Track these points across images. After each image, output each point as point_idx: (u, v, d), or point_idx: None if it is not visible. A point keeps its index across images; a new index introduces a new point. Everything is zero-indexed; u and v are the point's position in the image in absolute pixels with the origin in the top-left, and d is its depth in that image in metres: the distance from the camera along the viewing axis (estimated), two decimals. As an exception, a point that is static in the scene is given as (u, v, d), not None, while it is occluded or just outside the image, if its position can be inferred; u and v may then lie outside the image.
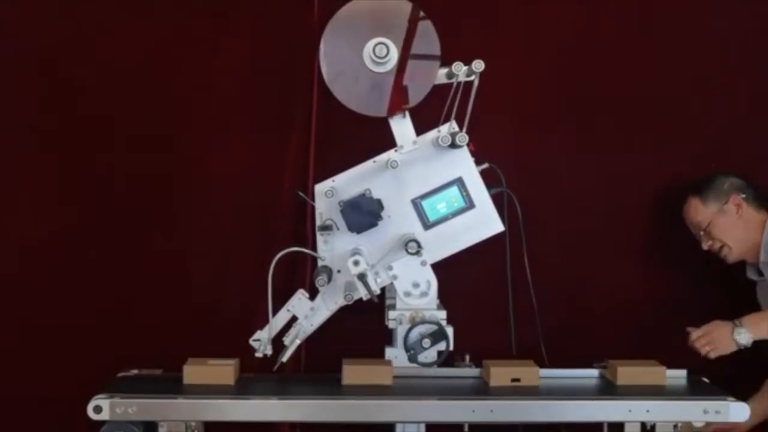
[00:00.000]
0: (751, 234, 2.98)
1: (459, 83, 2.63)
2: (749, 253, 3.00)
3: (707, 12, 3.20)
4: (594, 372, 2.82)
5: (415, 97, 2.69)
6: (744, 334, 2.73)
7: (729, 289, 3.16)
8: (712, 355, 2.76)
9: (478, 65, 2.59)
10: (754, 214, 2.99)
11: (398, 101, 2.68)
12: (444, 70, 2.67)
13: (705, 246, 3.02)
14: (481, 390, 2.68)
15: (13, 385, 3.13)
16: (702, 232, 3.02)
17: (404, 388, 2.65)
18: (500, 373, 2.68)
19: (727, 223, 2.98)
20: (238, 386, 2.66)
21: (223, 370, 2.67)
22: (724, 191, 3.00)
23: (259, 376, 2.80)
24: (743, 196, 2.99)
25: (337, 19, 2.67)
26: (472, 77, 2.63)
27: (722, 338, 2.75)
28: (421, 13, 2.67)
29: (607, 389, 2.70)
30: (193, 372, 2.66)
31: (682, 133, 3.22)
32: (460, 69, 2.61)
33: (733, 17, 3.21)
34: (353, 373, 2.66)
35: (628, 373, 2.71)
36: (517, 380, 2.66)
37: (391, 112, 2.70)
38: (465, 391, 2.69)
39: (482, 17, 3.18)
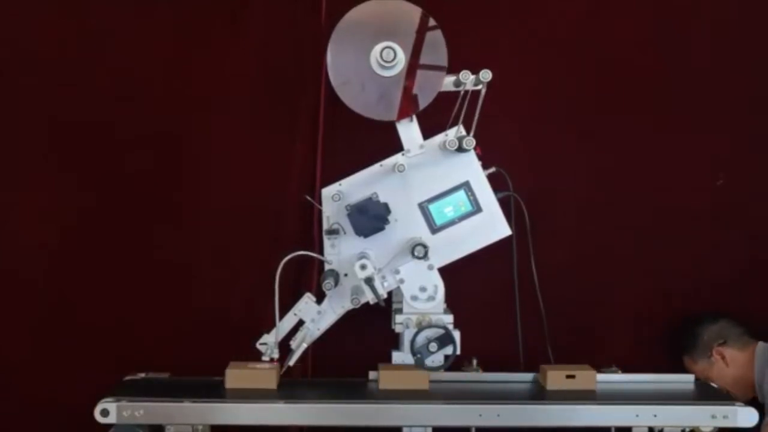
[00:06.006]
0: (745, 373, 2.99)
1: (466, 92, 2.63)
2: (756, 390, 2.99)
3: (713, 10, 3.18)
4: (600, 376, 2.81)
5: (421, 102, 2.68)
6: None
7: (734, 292, 3.16)
8: None
9: (486, 75, 2.58)
10: (740, 354, 3.01)
11: (407, 106, 2.68)
12: (451, 78, 2.66)
13: None
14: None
15: (20, 389, 3.13)
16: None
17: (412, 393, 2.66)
18: (556, 377, 2.72)
19: (720, 373, 3.00)
20: (280, 390, 2.67)
21: (266, 374, 2.68)
22: (706, 345, 3.03)
23: (298, 380, 2.85)
24: (722, 342, 3.02)
25: (345, 23, 2.67)
26: (479, 86, 2.62)
27: None
28: (428, 16, 2.67)
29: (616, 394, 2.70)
30: (235, 376, 2.67)
31: (691, 133, 3.19)
32: (467, 78, 2.60)
33: (738, 14, 3.19)
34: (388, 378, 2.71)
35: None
36: (572, 377, 2.70)
37: (401, 116, 2.69)
38: (473, 395, 2.70)
39: (488, 18, 3.17)
